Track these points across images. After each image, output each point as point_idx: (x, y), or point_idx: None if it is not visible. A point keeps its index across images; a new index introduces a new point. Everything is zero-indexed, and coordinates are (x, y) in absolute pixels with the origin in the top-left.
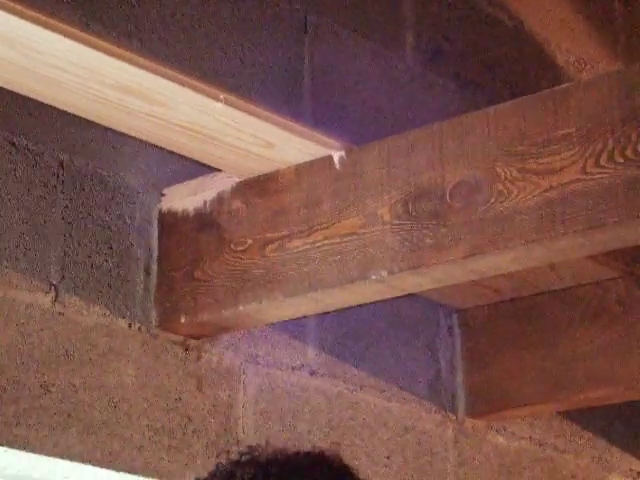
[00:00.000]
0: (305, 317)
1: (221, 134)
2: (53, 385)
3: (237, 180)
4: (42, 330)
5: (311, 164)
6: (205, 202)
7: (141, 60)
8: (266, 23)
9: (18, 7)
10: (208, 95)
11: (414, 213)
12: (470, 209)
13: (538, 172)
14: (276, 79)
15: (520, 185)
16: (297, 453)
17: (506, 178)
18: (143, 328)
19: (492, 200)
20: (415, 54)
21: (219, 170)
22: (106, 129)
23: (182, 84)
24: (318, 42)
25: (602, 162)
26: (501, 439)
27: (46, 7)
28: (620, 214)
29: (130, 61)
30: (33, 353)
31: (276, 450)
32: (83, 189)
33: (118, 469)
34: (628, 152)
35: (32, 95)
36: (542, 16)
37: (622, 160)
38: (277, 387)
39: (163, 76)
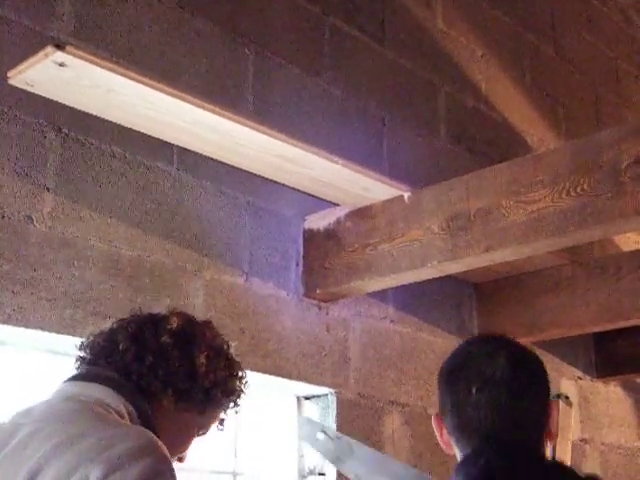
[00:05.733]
0: (388, 289)
1: (339, 184)
2: (246, 328)
3: (348, 210)
4: (239, 298)
5: (391, 200)
6: (330, 223)
7: (292, 141)
8: (361, 118)
9: (226, 112)
10: (331, 161)
11: (452, 227)
12: (485, 224)
13: (525, 202)
14: (368, 152)
15: (515, 210)
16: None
17: (507, 206)
18: (295, 296)
19: (499, 219)
20: (446, 137)
21: (337, 204)
22: (273, 181)
23: (316, 154)
24: (391, 131)
25: (562, 196)
26: None
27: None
28: (572, 226)
29: (287, 141)
30: (234, 311)
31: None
32: (261, 217)
33: (282, 376)
34: (578, 189)
35: (228, 162)
36: (517, 114)
37: (574, 195)
38: (371, 330)
39: (305, 150)
